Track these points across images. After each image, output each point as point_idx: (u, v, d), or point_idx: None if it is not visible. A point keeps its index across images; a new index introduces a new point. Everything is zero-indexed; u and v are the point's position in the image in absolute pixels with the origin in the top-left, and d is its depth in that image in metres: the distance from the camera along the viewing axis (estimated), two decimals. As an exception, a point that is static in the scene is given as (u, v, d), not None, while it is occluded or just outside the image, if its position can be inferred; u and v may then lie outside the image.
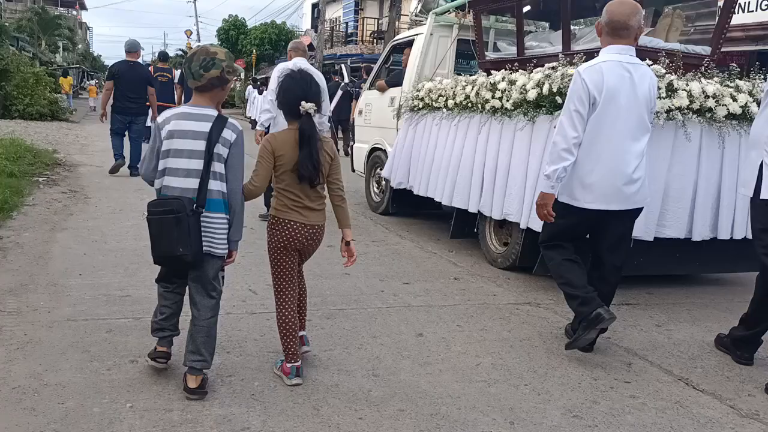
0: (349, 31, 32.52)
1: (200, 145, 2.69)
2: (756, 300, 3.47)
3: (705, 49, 4.93)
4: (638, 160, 3.37)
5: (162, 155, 2.74)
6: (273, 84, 6.38)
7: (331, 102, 14.73)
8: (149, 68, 12.02)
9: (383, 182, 7.35)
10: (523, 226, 4.72)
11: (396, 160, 6.58)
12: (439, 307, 4.24)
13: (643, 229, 4.18)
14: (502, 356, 3.44)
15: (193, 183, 2.69)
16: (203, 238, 2.71)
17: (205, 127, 2.71)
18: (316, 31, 25.61)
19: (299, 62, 6.22)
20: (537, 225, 4.49)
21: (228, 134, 2.75)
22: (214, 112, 2.78)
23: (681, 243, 4.54)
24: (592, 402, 2.95)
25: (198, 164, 2.69)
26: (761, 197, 3.29)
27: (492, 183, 5.10)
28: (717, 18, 4.98)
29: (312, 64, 25.45)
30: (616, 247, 3.52)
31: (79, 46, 47.62)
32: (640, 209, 3.52)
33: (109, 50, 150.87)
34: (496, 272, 5.15)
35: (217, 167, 2.73)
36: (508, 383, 3.11)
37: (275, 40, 34.38)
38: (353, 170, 8.47)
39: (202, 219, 2.70)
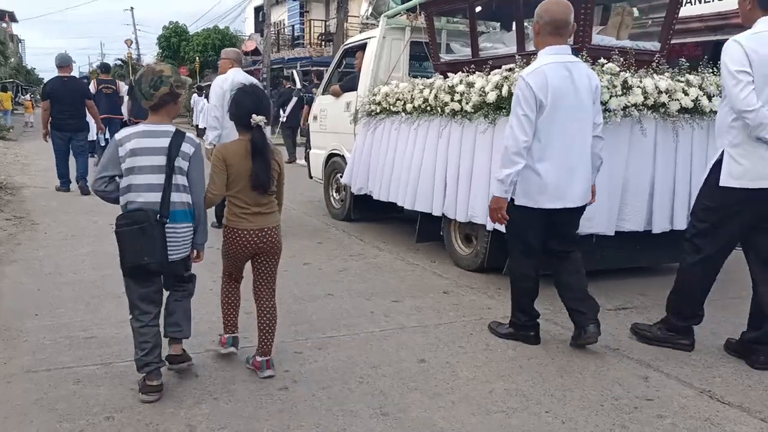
0: (296, 34, 32.17)
1: (161, 161, 2.85)
2: (754, 295, 3.52)
3: (655, 45, 5.06)
4: (587, 157, 3.49)
5: (125, 173, 2.86)
6: (214, 99, 6.38)
7: (285, 108, 14.81)
8: (91, 81, 11.72)
9: (343, 189, 7.31)
10: (489, 228, 4.75)
11: (355, 165, 6.55)
12: (434, 326, 3.98)
13: (605, 225, 4.27)
14: (513, 379, 3.24)
15: (156, 197, 2.84)
16: (169, 247, 2.87)
17: (165, 143, 2.88)
18: (261, 35, 25.29)
19: (235, 74, 6.17)
20: (503, 227, 4.56)
21: (186, 148, 2.93)
22: (172, 128, 2.94)
23: (641, 235, 4.66)
24: (621, 427, 2.78)
25: (159, 179, 2.84)
26: (720, 184, 3.36)
27: (455, 186, 5.12)
28: (665, 14, 5.10)
29: (255, 70, 24.98)
30: (567, 240, 3.65)
31: (12, 59, 45.89)
32: (586, 206, 3.62)
33: (43, 62, 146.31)
34: (485, 282, 4.89)
35: (179, 180, 2.90)
36: (528, 411, 2.90)
37: (219, 46, 33.71)
38: (311, 177, 8.41)
39: (167, 229, 2.86)
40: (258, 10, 34.69)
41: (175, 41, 35.19)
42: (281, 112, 14.95)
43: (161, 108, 2.94)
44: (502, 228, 4.48)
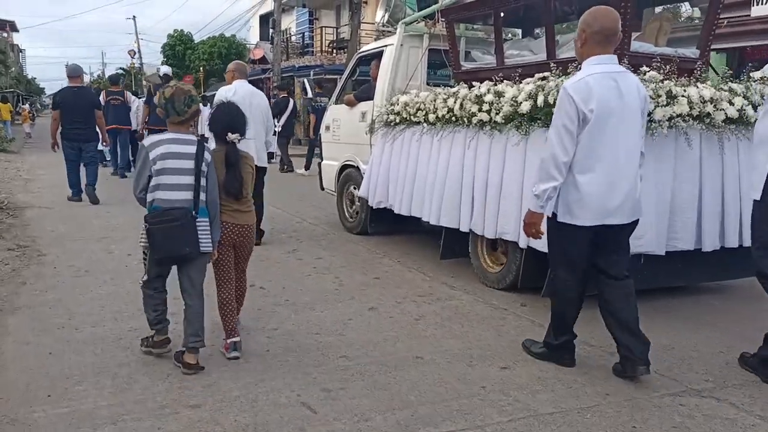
0: (305, 41, 31.55)
1: (189, 164, 3.28)
2: None
3: (694, 52, 4.81)
4: (635, 171, 3.26)
5: (156, 173, 3.25)
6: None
7: (281, 118, 14.56)
8: (101, 93, 11.66)
9: (357, 201, 7.04)
10: (522, 245, 4.48)
11: (373, 178, 6.28)
12: (577, 411, 2.98)
13: (654, 243, 4.00)
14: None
15: (185, 195, 3.27)
16: (199, 239, 3.32)
17: (192, 149, 3.31)
18: (272, 43, 24.87)
19: (239, 86, 6.24)
20: (538, 244, 4.29)
21: (207, 155, 3.38)
22: (194, 138, 3.37)
23: (690, 253, 4.38)
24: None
25: (188, 179, 3.27)
26: None
27: (483, 200, 4.85)
28: (704, 19, 4.85)
29: (265, 79, 24.70)
30: (617, 261, 3.39)
31: (12, 69, 45.70)
32: (638, 220, 3.38)
33: (44, 72, 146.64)
34: (604, 335, 3.59)
35: (203, 182, 3.33)
36: None
37: (225, 54, 33.18)
38: (322, 189, 8.14)
39: (197, 223, 3.30)
40: (264, 18, 34.10)
41: (180, 49, 34.75)
42: (276, 122, 14.70)
43: (188, 122, 3.39)
44: (538, 245, 4.27)
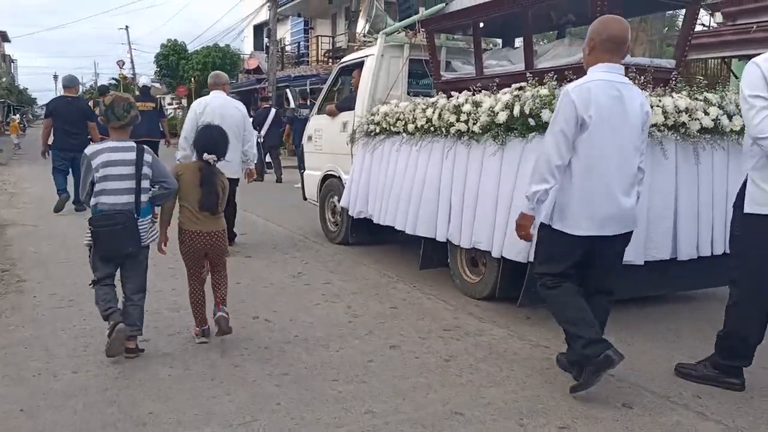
0: (301, 51, 31.19)
1: (129, 170, 3.58)
2: None
3: (670, 62, 4.84)
4: (633, 182, 3.23)
5: (98, 180, 3.55)
6: (187, 124, 6.53)
7: (262, 128, 14.55)
8: (89, 103, 11.69)
9: (339, 210, 7.02)
10: (495, 254, 4.47)
11: (354, 188, 6.26)
12: None
13: (633, 253, 3.99)
14: None
15: (126, 198, 3.58)
16: (141, 237, 3.67)
17: (132, 156, 3.61)
18: (267, 53, 24.53)
19: (212, 99, 6.44)
20: (512, 254, 4.28)
21: (147, 157, 3.66)
22: (133, 144, 3.65)
23: (662, 262, 4.39)
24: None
25: (129, 184, 3.58)
26: (744, 211, 3.20)
27: (460, 210, 4.84)
28: (680, 29, 4.89)
29: (260, 89, 24.19)
30: (609, 272, 3.37)
31: (3, 79, 45.43)
32: (631, 232, 3.36)
33: (36, 83, 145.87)
34: (683, 387, 3.38)
35: (145, 184, 3.63)
36: None
37: (220, 64, 32.16)
38: (305, 198, 8.11)
39: (139, 223, 3.64)
40: (258, 28, 33.88)
41: (173, 59, 34.06)
42: (258, 132, 14.73)
43: (127, 127, 3.67)
44: (512, 255, 4.26)
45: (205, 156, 3.83)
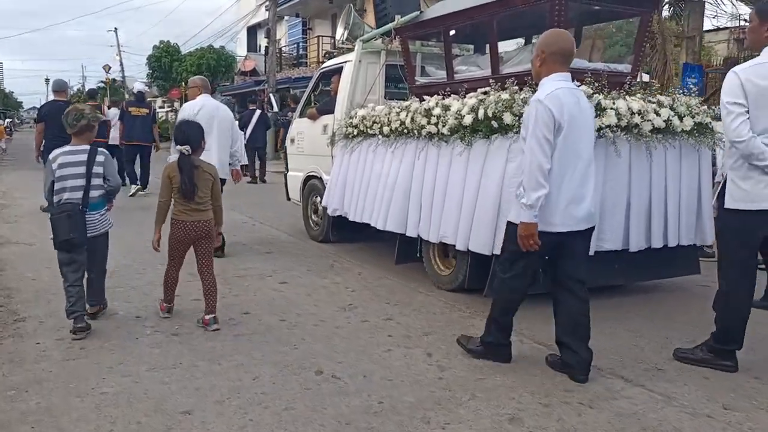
0: (300, 52, 30.23)
1: (82, 170, 4.10)
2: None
3: (626, 67, 5.17)
4: (593, 180, 3.53)
5: (58, 180, 4.08)
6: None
7: (247, 129, 14.80)
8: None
9: (320, 210, 7.31)
10: (460, 247, 4.77)
11: (333, 187, 6.56)
12: None
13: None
14: None
15: (79, 194, 4.09)
16: (88, 227, 4.11)
17: (83, 157, 4.14)
18: (266, 54, 23.52)
19: (204, 102, 6.51)
20: (477, 246, 4.59)
21: (99, 157, 4.19)
22: (87, 147, 4.20)
23: (618, 254, 4.72)
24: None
25: (81, 182, 4.09)
26: (725, 206, 3.50)
27: (429, 206, 5.15)
28: (635, 37, 5.21)
29: (259, 91, 23.47)
30: (581, 263, 3.61)
31: (-12, 82, 45.22)
32: (593, 227, 3.65)
33: (22, 86, 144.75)
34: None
35: (96, 181, 4.14)
36: None
37: (214, 66, 31.69)
38: (288, 199, 8.40)
39: (87, 216, 4.10)
40: (251, 29, 33.25)
41: (166, 61, 33.23)
42: (243, 133, 14.96)
43: (81, 134, 4.22)
44: (477, 248, 4.57)
45: (178, 147, 4.23)
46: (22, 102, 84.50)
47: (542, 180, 3.30)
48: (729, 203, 3.49)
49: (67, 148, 4.20)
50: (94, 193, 4.15)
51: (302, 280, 5.66)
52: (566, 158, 3.37)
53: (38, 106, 10.12)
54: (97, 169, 4.15)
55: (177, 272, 4.46)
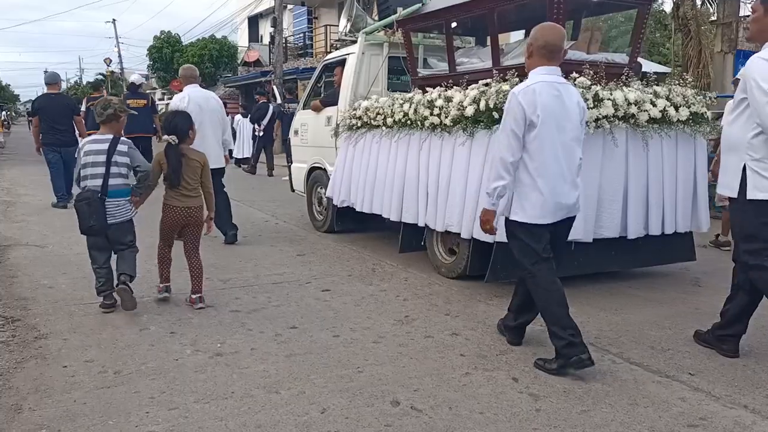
0: (306, 42, 29.14)
1: (102, 158, 4.27)
2: (738, 303, 3.70)
3: (624, 58, 5.28)
4: (577, 172, 3.60)
5: (82, 167, 4.31)
6: None
7: (261, 122, 14.95)
8: (83, 99, 12.01)
9: (325, 201, 7.45)
10: (465, 235, 4.91)
11: (337, 179, 6.69)
12: None
13: (582, 232, 4.45)
14: None
15: (99, 181, 4.27)
16: (108, 214, 4.28)
17: (105, 146, 4.31)
18: (271, 44, 23.06)
19: (192, 93, 6.57)
20: (482, 234, 4.72)
21: (121, 147, 4.35)
22: (110, 137, 4.36)
23: (616, 241, 4.86)
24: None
25: (101, 170, 4.26)
26: (747, 197, 3.43)
27: (435, 196, 5.28)
28: (633, 28, 5.33)
29: (265, 82, 22.93)
30: (561, 249, 3.76)
31: (-16, 75, 45.21)
32: (574, 217, 3.72)
33: (18, 79, 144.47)
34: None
35: (114, 170, 4.29)
36: None
37: (216, 57, 31.39)
38: (293, 190, 8.53)
39: (107, 202, 4.26)
40: (252, 20, 32.65)
41: (167, 52, 32.72)
42: (257, 126, 15.08)
43: (108, 123, 4.40)
44: (481, 236, 4.70)
45: (165, 137, 4.52)
46: (19, 95, 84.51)
47: (503, 172, 3.43)
48: (753, 194, 3.40)
49: (94, 136, 4.43)
50: (115, 181, 4.31)
51: (345, 287, 5.18)
52: (544, 152, 3.42)
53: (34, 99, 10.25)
54: (118, 158, 4.31)
55: (170, 252, 4.68)
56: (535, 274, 3.55)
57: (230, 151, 7.06)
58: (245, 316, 4.38)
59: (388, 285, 5.26)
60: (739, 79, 3.67)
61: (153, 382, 3.25)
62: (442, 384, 3.30)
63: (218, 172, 6.56)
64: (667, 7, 22.52)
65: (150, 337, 3.93)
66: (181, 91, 6.79)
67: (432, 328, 4.18)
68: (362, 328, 4.16)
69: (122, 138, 4.43)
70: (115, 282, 4.36)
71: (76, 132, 9.62)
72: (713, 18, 12.67)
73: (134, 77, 12.75)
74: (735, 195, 3.52)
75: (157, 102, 21.41)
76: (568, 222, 3.69)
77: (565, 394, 3.20)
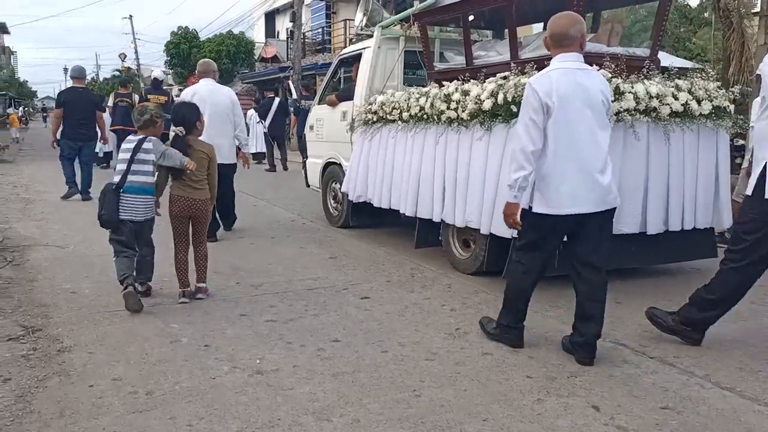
0: (324, 37, 29.20)
1: (128, 155, 4.41)
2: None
3: (645, 51, 5.19)
4: (603, 160, 3.45)
5: (118, 162, 4.50)
6: None
7: (267, 117, 14.99)
8: (110, 95, 12.16)
9: (340, 195, 7.41)
10: (484, 231, 4.85)
11: (353, 174, 6.65)
12: None
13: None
14: None
15: (119, 176, 4.39)
16: (122, 209, 4.33)
17: (133, 144, 4.46)
18: (292, 38, 22.75)
19: (201, 86, 6.69)
20: (501, 230, 4.66)
21: (147, 145, 4.44)
22: (140, 138, 4.47)
23: (636, 236, 4.78)
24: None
25: (124, 166, 4.38)
26: (765, 197, 3.32)
27: (453, 191, 5.23)
28: (654, 21, 5.23)
29: (284, 78, 22.83)
30: (595, 248, 3.53)
31: (4, 71, 45.75)
32: (614, 209, 3.57)
33: (36, 75, 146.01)
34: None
35: (136, 167, 4.37)
36: None
37: (234, 53, 31.25)
38: (308, 185, 8.50)
39: (124, 197, 4.34)
40: (269, 15, 32.68)
41: (185, 48, 32.44)
42: (262, 121, 15.12)
43: (145, 128, 4.54)
44: (499, 231, 4.64)
45: (173, 129, 4.62)
46: (36, 91, 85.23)
47: (524, 162, 3.36)
48: None
49: (129, 137, 4.62)
50: (135, 178, 4.38)
51: (385, 294, 4.82)
52: (563, 139, 3.35)
53: (52, 95, 10.39)
54: (142, 155, 4.40)
55: (185, 254, 4.64)
56: (522, 262, 3.64)
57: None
58: (282, 326, 4.03)
59: (430, 292, 4.88)
60: (759, 75, 3.59)
61: (189, 406, 2.92)
62: (514, 413, 2.90)
63: (230, 168, 6.60)
64: (692, 1, 22.12)
65: (183, 351, 3.59)
66: None
67: (488, 343, 3.78)
68: (411, 343, 3.78)
69: (150, 137, 4.51)
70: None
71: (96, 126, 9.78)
72: (756, 9, 12.38)
73: (156, 73, 12.79)
74: (750, 192, 3.42)
75: (175, 99, 21.51)
76: (604, 215, 3.49)
77: (658, 427, 2.78)
